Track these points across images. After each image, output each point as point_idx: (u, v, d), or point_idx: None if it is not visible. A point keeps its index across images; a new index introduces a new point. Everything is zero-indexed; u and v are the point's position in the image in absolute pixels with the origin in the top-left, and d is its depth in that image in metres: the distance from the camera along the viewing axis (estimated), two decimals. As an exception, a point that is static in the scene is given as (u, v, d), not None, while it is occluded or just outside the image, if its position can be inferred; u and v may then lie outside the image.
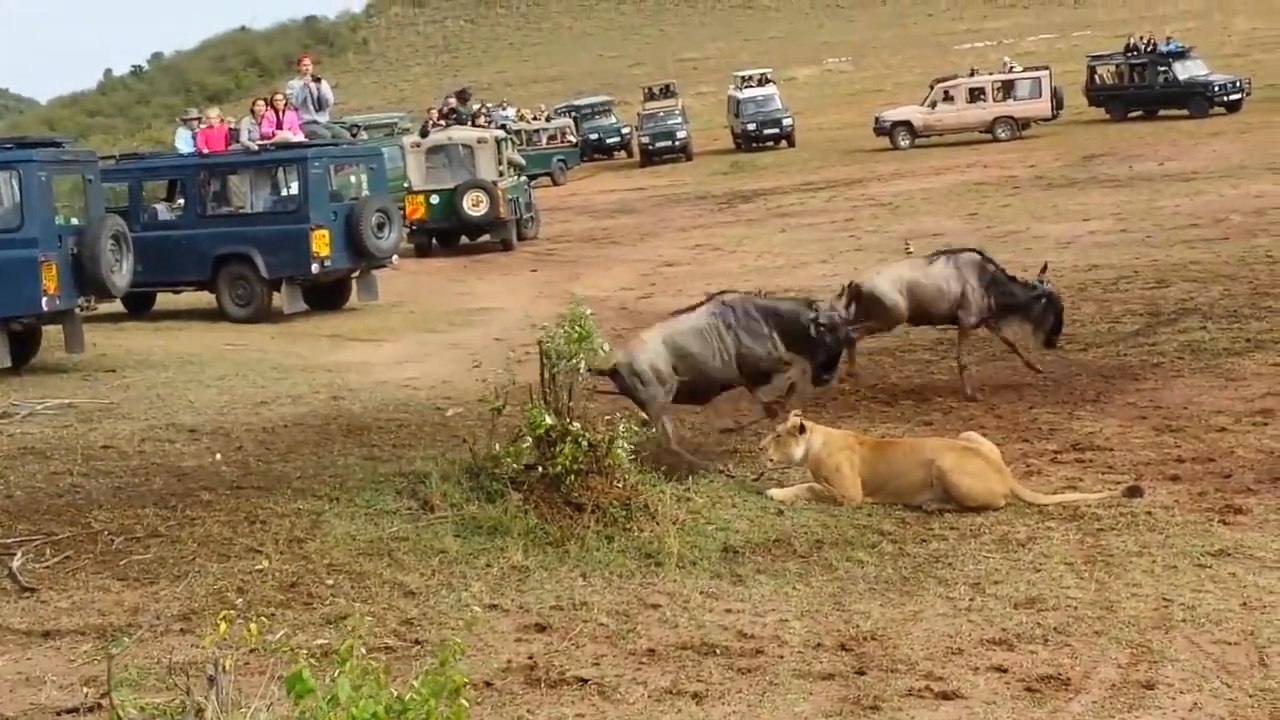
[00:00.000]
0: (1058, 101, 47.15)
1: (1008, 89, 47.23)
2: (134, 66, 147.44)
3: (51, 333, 17.19)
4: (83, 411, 13.63)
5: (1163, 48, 48.57)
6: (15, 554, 8.87)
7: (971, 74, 50.26)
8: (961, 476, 9.48)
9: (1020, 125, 46.41)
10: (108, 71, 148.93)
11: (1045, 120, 46.77)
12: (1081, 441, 11.26)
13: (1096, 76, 49.38)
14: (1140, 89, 47.72)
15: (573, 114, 58.82)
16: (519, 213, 30.93)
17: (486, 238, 30.38)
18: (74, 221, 17.19)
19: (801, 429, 10.12)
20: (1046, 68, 48.51)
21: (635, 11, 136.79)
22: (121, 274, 17.13)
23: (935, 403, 13.04)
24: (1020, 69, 49.17)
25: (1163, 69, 47.07)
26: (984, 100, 47.02)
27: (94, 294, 16.99)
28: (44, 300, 16.00)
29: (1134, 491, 9.50)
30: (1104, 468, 10.45)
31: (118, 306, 20.00)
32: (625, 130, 58.43)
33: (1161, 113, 46.90)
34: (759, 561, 8.59)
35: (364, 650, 5.22)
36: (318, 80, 24.16)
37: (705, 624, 7.56)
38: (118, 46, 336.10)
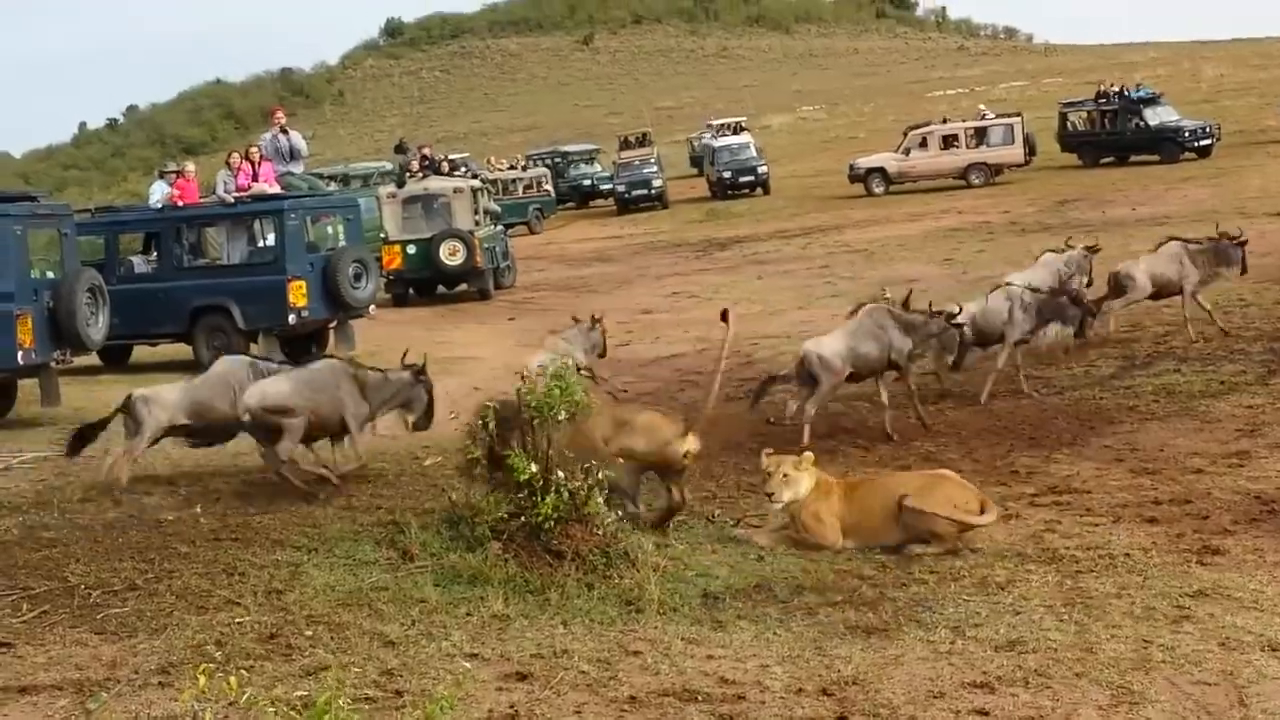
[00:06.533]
0: (1030, 148, 47.42)
1: (981, 135, 47.45)
2: (109, 119, 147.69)
3: (27, 386, 17.13)
4: (59, 465, 13.57)
5: (1133, 94, 48.92)
6: (-9, 609, 8.81)
7: (944, 121, 50.56)
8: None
9: (994, 171, 46.59)
10: (83, 124, 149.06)
11: (1018, 166, 46.98)
12: (1059, 484, 11.31)
13: (1068, 123, 49.70)
14: (1112, 135, 48.03)
15: (556, 160, 59.26)
16: (496, 262, 31.00)
17: (464, 287, 30.39)
18: (50, 275, 17.15)
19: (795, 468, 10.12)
20: (1019, 114, 48.80)
21: (610, 61, 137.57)
22: (97, 327, 17.11)
23: (912, 447, 13.07)
24: (994, 116, 49.43)
25: (1134, 115, 47.39)
26: (958, 147, 47.24)
27: (70, 347, 16.95)
28: (19, 354, 15.96)
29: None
30: (1081, 510, 10.49)
31: (94, 359, 19.95)
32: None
33: (1133, 158, 47.18)
34: (740, 607, 8.58)
35: (346, 702, 5.19)
36: (286, 132, 24.19)
37: (687, 670, 7.54)
38: (93, 99, 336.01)
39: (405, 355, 13.09)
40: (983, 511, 9.64)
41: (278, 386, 12.36)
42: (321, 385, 12.52)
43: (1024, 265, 18.21)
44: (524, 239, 44.90)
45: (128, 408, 12.92)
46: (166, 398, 13.07)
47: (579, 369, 13.40)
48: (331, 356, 13.88)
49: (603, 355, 16.30)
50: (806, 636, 8.02)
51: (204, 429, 13.16)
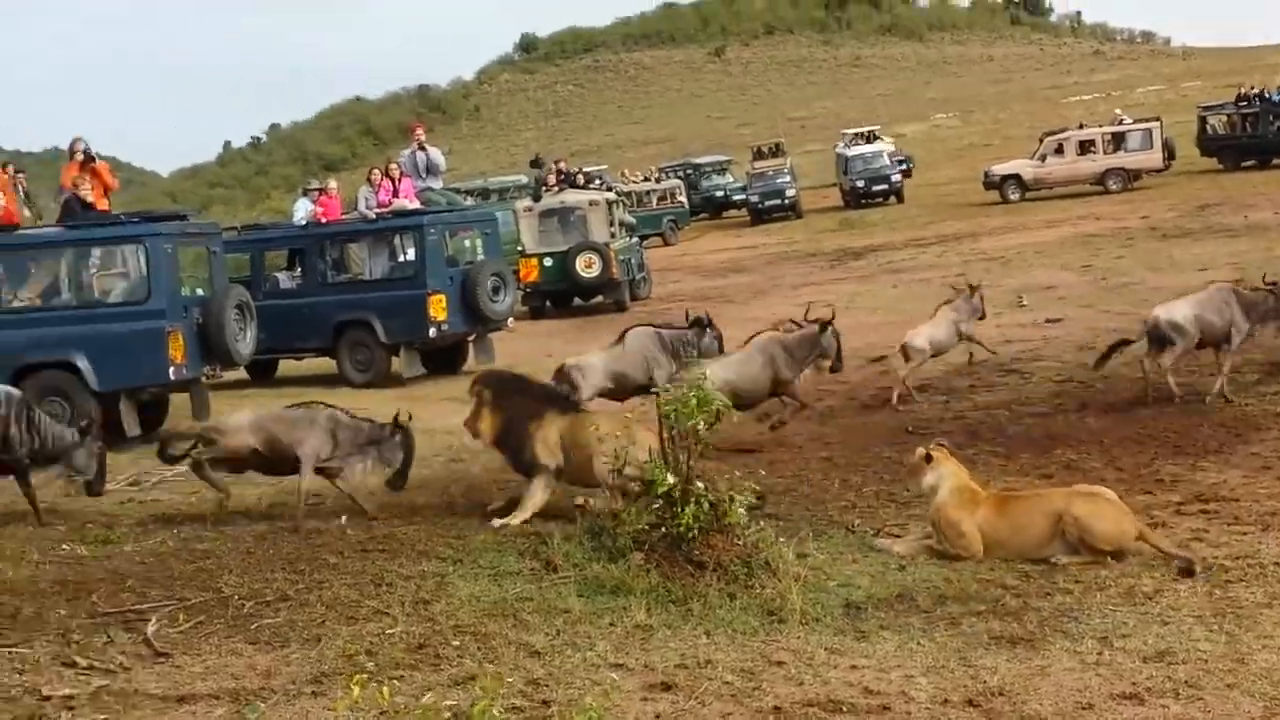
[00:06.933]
0: (1169, 152, 46.72)
1: (1118, 141, 46.84)
2: (253, 138, 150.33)
3: (178, 401, 17.53)
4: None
5: (1274, 97, 48.03)
6: (150, 620, 8.97)
7: (1080, 127, 49.96)
8: (1096, 520, 9.44)
9: (1132, 177, 45.96)
10: (227, 143, 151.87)
11: (1157, 171, 46.30)
12: (1205, 493, 11.14)
13: (1208, 127, 48.91)
14: (1253, 138, 47.19)
15: (689, 172, 59.49)
16: (631, 273, 31.13)
17: (600, 299, 30.58)
18: (199, 292, 17.54)
19: (928, 458, 10.07)
20: (1158, 119, 48.13)
21: (743, 72, 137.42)
22: (245, 342, 17.48)
23: (1054, 455, 12.94)
24: (1131, 121, 48.72)
25: (1275, 118, 46.50)
26: (1094, 152, 46.67)
27: (219, 362, 17.33)
28: (171, 370, 16.34)
29: (1187, 571, 9.12)
30: (1229, 519, 10.32)
31: (242, 374, 20.36)
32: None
33: (1275, 161, 46.30)
34: (882, 617, 8.56)
35: (499, 711, 5.27)
36: (424, 148, 24.57)
37: (830, 681, 7.54)
38: (236, 118, 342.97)
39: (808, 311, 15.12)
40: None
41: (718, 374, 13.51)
42: (746, 361, 14.34)
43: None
44: (659, 250, 45.06)
45: (563, 375, 14.69)
46: (595, 365, 15.10)
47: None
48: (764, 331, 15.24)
49: (982, 318, 18.08)
50: (951, 647, 7.99)
51: (620, 395, 15.17)
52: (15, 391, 12.64)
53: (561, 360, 15.54)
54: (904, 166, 61.80)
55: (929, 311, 17.84)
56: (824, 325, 14.60)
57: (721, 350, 15.47)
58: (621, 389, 15.22)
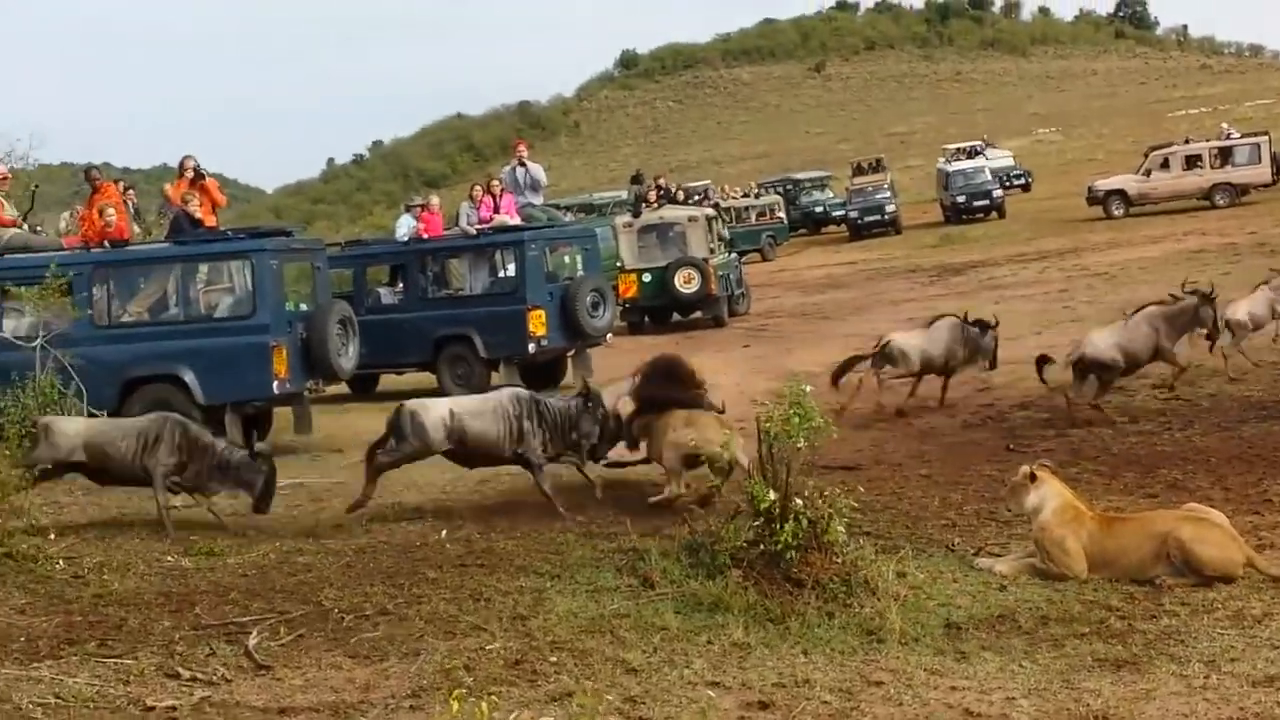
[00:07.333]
0: (1278, 167, 45.88)
1: (1225, 155, 46.10)
2: (355, 155, 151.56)
3: (281, 414, 17.71)
4: (312, 491, 13.99)
5: (1388, 109, 47.14)
6: (251, 632, 9.08)
7: (1187, 141, 49.24)
8: (1201, 546, 9.28)
9: (1239, 192, 45.21)
10: (330, 160, 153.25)
11: (1265, 186, 45.50)
12: (1316, 514, 10.94)
13: (1318, 140, 48.00)
14: (1364, 153, 46.24)
15: (789, 187, 59.40)
16: (730, 289, 31.09)
17: (698, 314, 30.55)
18: (303, 307, 17.72)
19: (1032, 477, 9.96)
20: (1266, 133, 47.28)
21: (842, 88, 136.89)
22: (348, 357, 17.61)
23: (1159, 474, 12.75)
24: (1239, 135, 47.94)
25: (1389, 131, 45.64)
26: (1201, 167, 45.95)
27: (322, 377, 17.49)
28: (275, 384, 16.50)
29: None
30: (1341, 542, 10.14)
31: (343, 388, 20.54)
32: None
33: (1387, 176, 45.37)
34: (983, 638, 8.48)
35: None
36: (525, 164, 24.71)
37: (930, 702, 7.48)
38: (340, 135, 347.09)
39: (1185, 283, 16.44)
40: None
41: (1106, 339, 15.76)
42: (1134, 334, 15.79)
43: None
44: (757, 266, 44.97)
45: (884, 351, 17.05)
46: (912, 345, 17.16)
47: None
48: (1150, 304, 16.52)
49: None
50: (1053, 669, 7.90)
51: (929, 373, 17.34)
52: (523, 391, 13.17)
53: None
54: (1021, 181, 61.64)
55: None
56: (1204, 297, 15.82)
57: (996, 350, 17.42)
58: (928, 369, 17.29)
